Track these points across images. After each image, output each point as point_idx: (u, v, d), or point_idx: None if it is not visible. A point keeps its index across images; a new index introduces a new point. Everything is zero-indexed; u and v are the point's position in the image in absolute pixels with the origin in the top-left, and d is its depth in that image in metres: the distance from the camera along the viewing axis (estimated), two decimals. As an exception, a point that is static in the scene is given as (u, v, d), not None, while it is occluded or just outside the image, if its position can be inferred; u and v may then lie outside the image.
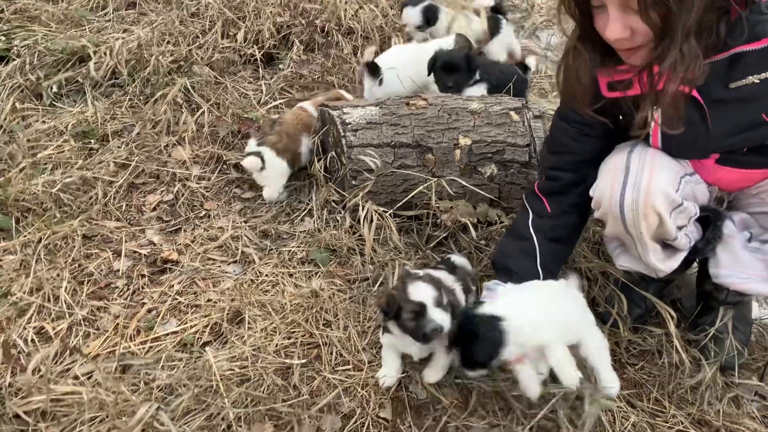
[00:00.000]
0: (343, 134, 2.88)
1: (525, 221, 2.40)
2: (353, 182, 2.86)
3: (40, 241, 2.76)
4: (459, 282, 2.33)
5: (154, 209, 3.11)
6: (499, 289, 2.28)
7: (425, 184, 2.75)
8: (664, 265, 2.23)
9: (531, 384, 2.06)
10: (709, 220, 2.25)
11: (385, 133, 2.88)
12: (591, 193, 2.25)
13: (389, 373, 2.27)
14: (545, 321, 2.06)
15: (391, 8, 4.26)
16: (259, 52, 3.90)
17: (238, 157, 3.35)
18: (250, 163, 3.07)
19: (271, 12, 4.00)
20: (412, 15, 4.10)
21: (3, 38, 3.73)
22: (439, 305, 2.07)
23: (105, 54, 3.68)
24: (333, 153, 3.04)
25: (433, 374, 2.26)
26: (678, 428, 2.24)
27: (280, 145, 3.10)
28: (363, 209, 2.75)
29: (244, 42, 3.88)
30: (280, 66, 3.94)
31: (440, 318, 2.05)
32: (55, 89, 3.56)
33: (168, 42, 3.85)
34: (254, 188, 3.26)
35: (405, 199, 2.80)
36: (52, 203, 2.94)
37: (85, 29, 3.95)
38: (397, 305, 2.08)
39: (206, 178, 3.27)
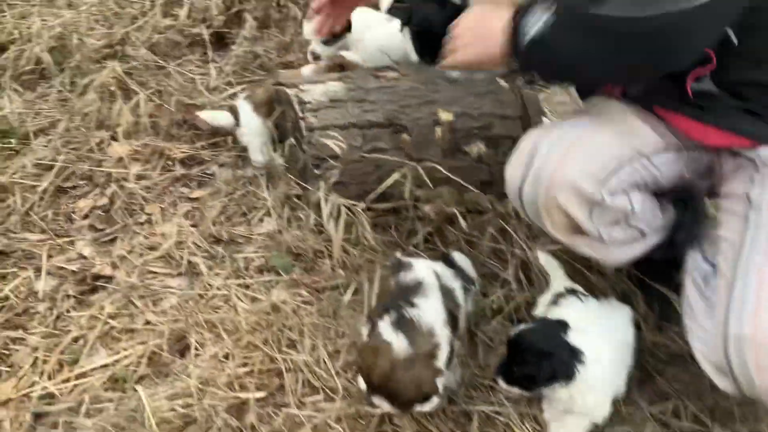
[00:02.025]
0: (301, 115, 2.43)
1: None
2: (316, 172, 2.41)
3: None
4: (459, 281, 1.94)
5: (86, 216, 2.64)
6: None
7: (400, 173, 2.29)
8: (609, 256, 1.86)
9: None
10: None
11: (351, 111, 2.43)
12: None
13: None
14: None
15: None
16: (207, 32, 3.42)
17: (182, 150, 2.90)
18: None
19: (219, -16, 3.52)
20: None
21: None
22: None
23: (27, 41, 3.19)
24: (292, 139, 2.58)
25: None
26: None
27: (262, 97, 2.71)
28: (327, 203, 2.29)
29: (189, 20, 3.40)
30: (232, 47, 3.47)
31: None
32: (-30, 84, 3.07)
33: (102, 25, 3.36)
34: (203, 185, 2.80)
35: (378, 190, 2.34)
36: (-41, 217, 2.47)
37: (6, 15, 3.44)
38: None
39: (147, 177, 2.80)
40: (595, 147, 1.72)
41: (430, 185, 2.32)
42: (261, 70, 3.34)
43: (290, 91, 2.52)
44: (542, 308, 1.97)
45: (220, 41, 3.52)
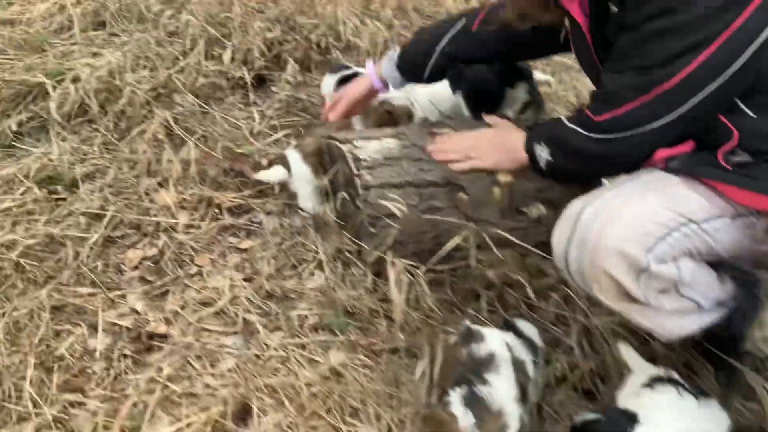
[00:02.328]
0: (356, 172, 2.42)
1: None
2: (371, 230, 2.40)
3: (-2, 317, 2.29)
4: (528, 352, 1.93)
5: (136, 267, 2.63)
6: None
7: (461, 236, 2.27)
8: (663, 327, 1.84)
9: None
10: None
11: (406, 169, 2.42)
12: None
13: None
14: None
15: (395, 18, 3.77)
16: (249, 74, 3.41)
17: (230, 198, 2.89)
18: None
19: (259, 27, 3.52)
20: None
21: (-49, 70, 3.23)
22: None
23: (71, 84, 3.19)
24: (344, 193, 2.58)
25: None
26: None
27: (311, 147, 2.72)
28: (391, 265, 2.27)
29: (232, 63, 3.39)
30: (273, 89, 3.47)
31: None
32: (14, 127, 3.06)
33: (144, 66, 3.36)
34: (252, 235, 2.79)
35: (440, 253, 2.33)
36: (12, 270, 2.45)
37: (48, 55, 3.44)
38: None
39: (196, 226, 2.79)
40: (642, 212, 1.72)
41: (495, 251, 2.30)
42: (304, 113, 3.33)
43: (344, 147, 2.51)
44: (630, 389, 1.91)
45: (261, 83, 3.52)
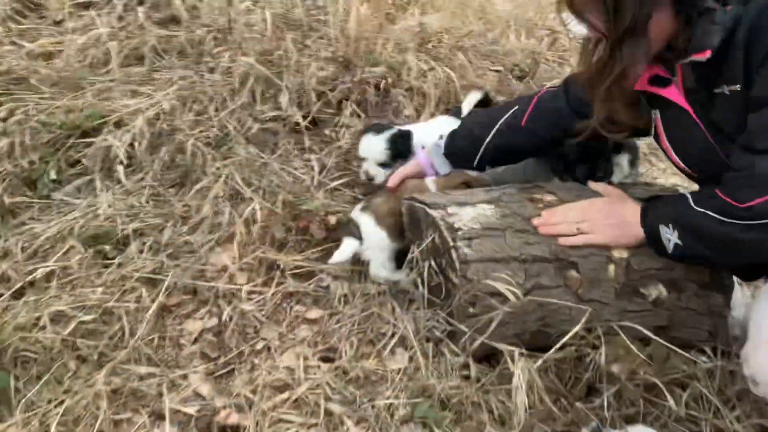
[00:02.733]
0: (452, 244, 2.17)
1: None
2: (471, 309, 2.14)
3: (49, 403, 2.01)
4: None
5: (196, 341, 2.36)
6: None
7: (579, 326, 2.03)
8: None
9: None
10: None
11: (510, 242, 2.17)
12: (741, 358, 1.98)
13: None
14: None
15: (453, 58, 3.53)
16: (304, 119, 3.16)
17: (294, 260, 2.62)
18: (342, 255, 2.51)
19: (314, 66, 3.27)
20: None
21: (-16, 110, 2.95)
22: None
23: (115, 128, 2.92)
24: (433, 263, 2.32)
25: None
26: None
27: (384, 208, 2.54)
28: (509, 358, 2.02)
29: (287, 105, 3.13)
30: (329, 133, 3.21)
31: None
32: (53, 175, 2.78)
33: (190, 109, 3.09)
34: (319, 302, 2.53)
35: (556, 346, 2.08)
36: (62, 347, 2.18)
37: (86, 92, 3.17)
38: None
39: (258, 292, 2.52)
40: None
41: (631, 345, 2.06)
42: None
43: (435, 214, 2.26)
44: None
45: (315, 127, 3.26)
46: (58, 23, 3.66)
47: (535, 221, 2.19)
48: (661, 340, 2.05)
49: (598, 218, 2.14)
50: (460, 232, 2.18)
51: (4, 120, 2.88)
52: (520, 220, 2.22)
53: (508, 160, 2.64)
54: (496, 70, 3.52)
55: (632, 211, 2.10)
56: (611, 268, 2.15)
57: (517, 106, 2.48)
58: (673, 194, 2.18)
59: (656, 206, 2.04)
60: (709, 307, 2.16)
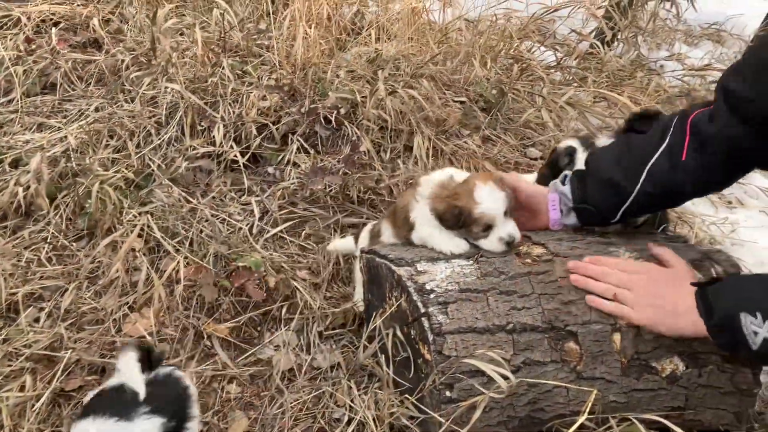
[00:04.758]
0: (423, 310, 1.74)
1: None
2: (447, 394, 1.71)
3: None
4: None
5: (99, 437, 1.85)
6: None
7: (583, 417, 1.61)
8: None
9: None
10: None
11: (494, 307, 1.76)
12: None
13: None
14: None
15: (449, 88, 3.11)
16: (242, 155, 2.71)
17: (225, 326, 2.16)
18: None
19: (255, 95, 2.83)
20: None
21: None
22: None
23: (10, 168, 2.42)
24: (399, 333, 1.89)
25: None
26: None
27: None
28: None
29: (223, 139, 2.68)
30: (272, 172, 2.77)
31: None
32: (-72, 227, 2.26)
33: (106, 145, 2.61)
34: (257, 379, 2.08)
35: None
36: None
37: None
38: None
39: (181, 367, 2.03)
40: None
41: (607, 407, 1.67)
42: (313, 205, 2.64)
43: (402, 272, 1.83)
44: None
45: (256, 164, 2.82)
46: (-46, 46, 3.15)
47: (571, 264, 1.82)
48: (675, 428, 1.64)
49: (642, 293, 1.75)
50: (432, 295, 1.77)
51: None
52: (505, 280, 1.81)
53: (663, 206, 2.19)
54: (460, 101, 3.15)
55: (686, 295, 1.67)
56: (616, 338, 1.76)
57: (664, 141, 1.89)
58: (759, 275, 1.75)
59: (734, 288, 1.62)
60: (736, 384, 1.78)
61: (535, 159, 3.02)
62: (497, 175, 1.93)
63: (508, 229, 1.86)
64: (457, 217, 1.85)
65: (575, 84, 3.58)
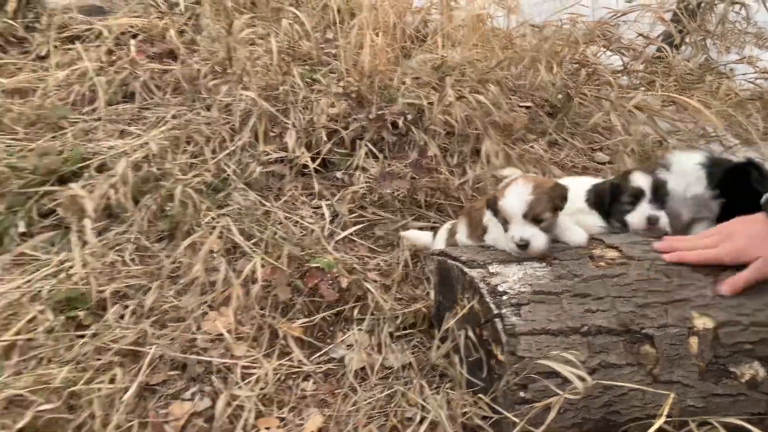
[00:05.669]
0: (496, 312, 1.76)
1: None
2: (521, 394, 1.72)
3: None
4: None
5: (183, 428, 1.94)
6: None
7: (661, 420, 1.60)
8: None
9: None
10: None
11: (568, 310, 1.76)
12: None
13: None
14: None
15: (515, 93, 3.14)
16: (313, 160, 2.78)
17: (300, 326, 2.22)
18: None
19: (324, 102, 2.90)
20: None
21: (-52, 153, 2.58)
22: None
23: (96, 173, 2.55)
24: (471, 333, 1.91)
25: None
26: None
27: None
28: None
29: (295, 145, 2.76)
30: (341, 176, 2.83)
31: None
32: (22, 228, 2.40)
33: (184, 151, 2.72)
34: (331, 376, 2.13)
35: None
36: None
37: (67, 133, 2.80)
38: None
39: (256, 365, 2.10)
40: None
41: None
42: (382, 209, 2.69)
43: (474, 274, 1.86)
44: None
45: (326, 169, 2.89)
46: (41, 58, 3.33)
47: (658, 245, 1.89)
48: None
49: (739, 229, 1.79)
50: (505, 297, 1.78)
51: (-29, 163, 2.52)
52: (579, 282, 1.81)
53: None
54: (526, 106, 3.15)
55: None
56: (693, 342, 1.74)
57: None
58: None
59: None
60: (820, 390, 1.74)
61: (603, 163, 3.00)
62: (550, 183, 1.94)
63: (519, 231, 1.88)
64: (492, 206, 1.94)
65: (642, 88, 3.53)
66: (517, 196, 1.89)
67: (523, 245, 1.87)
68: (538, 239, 1.88)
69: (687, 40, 4.02)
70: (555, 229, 1.94)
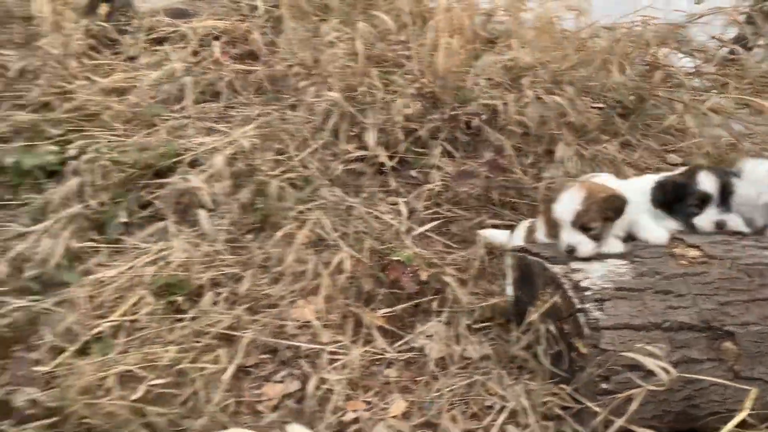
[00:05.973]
0: (579, 306, 1.83)
1: None
2: (604, 386, 1.79)
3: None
4: None
5: (275, 408, 2.07)
6: None
7: (744, 414, 1.65)
8: None
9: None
10: None
11: (650, 306, 1.83)
12: None
13: None
14: None
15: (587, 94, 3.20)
16: (390, 159, 2.89)
17: (383, 315, 2.34)
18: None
19: (399, 102, 3.01)
20: None
21: (55, 147, 2.77)
22: None
23: (190, 165, 2.71)
24: (552, 327, 1.99)
25: None
26: None
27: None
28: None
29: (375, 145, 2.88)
30: (416, 175, 2.94)
31: None
32: (123, 218, 2.58)
33: (269, 149, 2.86)
34: (412, 365, 2.23)
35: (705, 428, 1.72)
36: (130, 415, 1.91)
37: (160, 130, 2.98)
38: None
39: (343, 351, 2.22)
40: None
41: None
42: (457, 206, 2.78)
43: (557, 270, 1.93)
44: None
45: (401, 167, 2.99)
46: (132, 59, 3.53)
47: None
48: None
49: None
50: (588, 293, 1.86)
51: (75, 158, 2.70)
52: (661, 279, 1.87)
53: None
54: (598, 107, 3.20)
55: None
56: (777, 339, 1.78)
57: None
58: None
59: None
60: None
61: (676, 165, 3.03)
62: (604, 194, 1.99)
63: (567, 237, 1.97)
64: (546, 210, 2.07)
65: (715, 90, 3.53)
66: (567, 204, 1.98)
67: (570, 251, 1.95)
68: (585, 246, 1.96)
69: (761, 42, 3.98)
70: (607, 236, 2.00)
